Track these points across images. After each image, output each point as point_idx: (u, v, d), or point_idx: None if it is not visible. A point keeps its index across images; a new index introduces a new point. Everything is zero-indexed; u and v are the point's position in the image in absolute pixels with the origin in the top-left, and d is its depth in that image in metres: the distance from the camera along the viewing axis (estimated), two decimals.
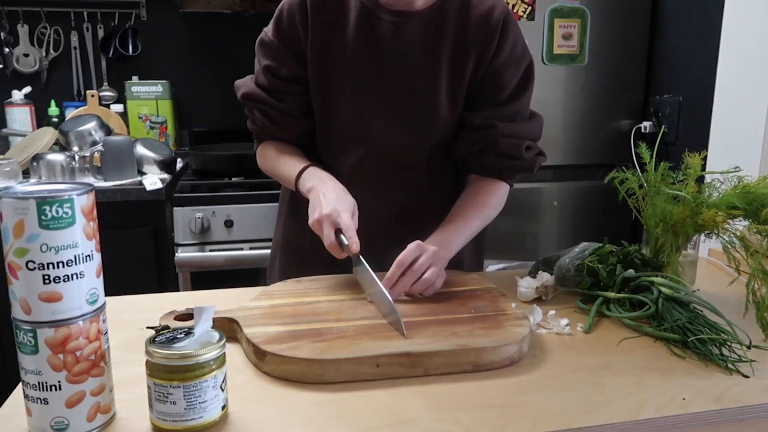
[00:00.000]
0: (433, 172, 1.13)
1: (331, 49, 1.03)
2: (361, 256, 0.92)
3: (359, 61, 1.03)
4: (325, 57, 1.03)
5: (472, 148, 1.09)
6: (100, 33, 2.50)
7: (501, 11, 1.03)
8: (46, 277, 0.56)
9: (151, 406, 0.61)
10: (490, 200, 1.09)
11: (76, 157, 2.03)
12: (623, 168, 1.03)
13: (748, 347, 0.78)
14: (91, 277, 0.59)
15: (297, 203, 1.14)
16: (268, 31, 1.07)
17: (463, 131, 1.10)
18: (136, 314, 0.91)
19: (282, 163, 1.09)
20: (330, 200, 0.93)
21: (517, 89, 1.07)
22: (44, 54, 2.47)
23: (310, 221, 0.94)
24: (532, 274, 1.03)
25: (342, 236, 0.91)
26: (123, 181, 1.95)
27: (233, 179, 2.15)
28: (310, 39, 1.02)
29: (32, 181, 1.99)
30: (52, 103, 2.41)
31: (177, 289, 1.97)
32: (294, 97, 1.07)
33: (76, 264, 0.57)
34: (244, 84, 1.11)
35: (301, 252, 1.15)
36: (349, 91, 1.04)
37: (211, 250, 1.99)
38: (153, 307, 0.90)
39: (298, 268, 1.08)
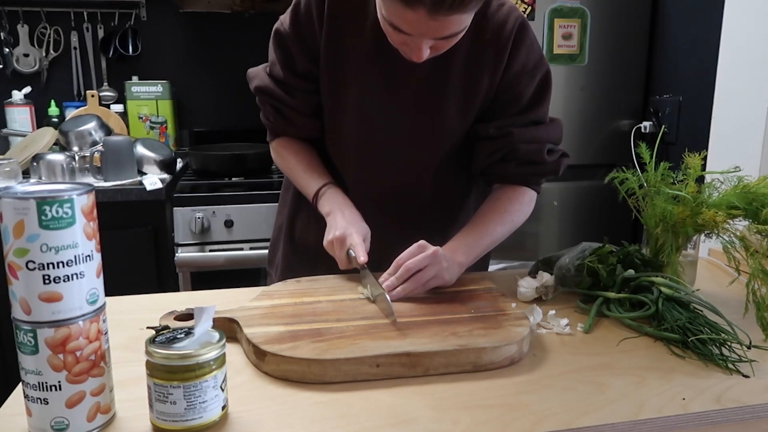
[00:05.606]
0: (440, 185, 1.11)
1: (342, 51, 1.01)
2: (366, 267, 0.93)
3: (368, 68, 1.01)
4: (336, 58, 1.01)
5: (492, 158, 1.06)
6: (100, 33, 2.51)
7: (514, 22, 1.00)
8: (46, 277, 0.56)
9: (151, 406, 0.61)
10: (513, 206, 1.06)
11: (76, 157, 2.03)
12: (623, 168, 1.03)
13: (748, 347, 0.78)
14: (91, 277, 0.58)
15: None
16: (284, 21, 1.04)
17: (480, 143, 1.07)
18: (136, 314, 0.91)
19: (300, 174, 1.10)
20: (344, 224, 0.98)
21: (533, 101, 1.05)
22: (44, 54, 2.47)
23: (324, 242, 0.99)
24: (532, 274, 1.02)
25: (350, 251, 0.95)
26: (123, 181, 1.95)
27: (233, 179, 2.16)
28: (324, 36, 1.00)
29: (32, 181, 1.99)
30: (52, 103, 2.41)
31: (177, 289, 1.97)
32: (305, 94, 1.06)
33: (76, 264, 0.57)
34: (258, 76, 1.10)
35: (304, 240, 1.16)
36: (356, 97, 1.03)
37: (211, 250, 1.99)
38: (153, 307, 0.90)
39: (301, 254, 1.07)
